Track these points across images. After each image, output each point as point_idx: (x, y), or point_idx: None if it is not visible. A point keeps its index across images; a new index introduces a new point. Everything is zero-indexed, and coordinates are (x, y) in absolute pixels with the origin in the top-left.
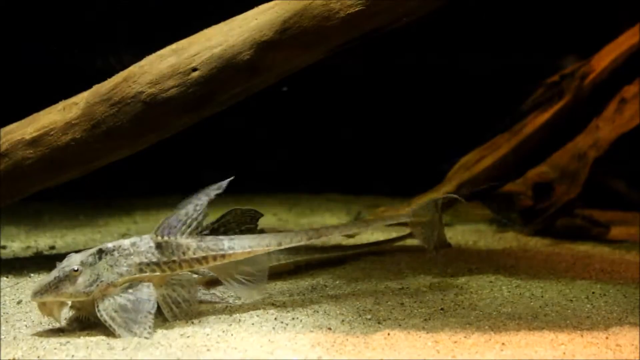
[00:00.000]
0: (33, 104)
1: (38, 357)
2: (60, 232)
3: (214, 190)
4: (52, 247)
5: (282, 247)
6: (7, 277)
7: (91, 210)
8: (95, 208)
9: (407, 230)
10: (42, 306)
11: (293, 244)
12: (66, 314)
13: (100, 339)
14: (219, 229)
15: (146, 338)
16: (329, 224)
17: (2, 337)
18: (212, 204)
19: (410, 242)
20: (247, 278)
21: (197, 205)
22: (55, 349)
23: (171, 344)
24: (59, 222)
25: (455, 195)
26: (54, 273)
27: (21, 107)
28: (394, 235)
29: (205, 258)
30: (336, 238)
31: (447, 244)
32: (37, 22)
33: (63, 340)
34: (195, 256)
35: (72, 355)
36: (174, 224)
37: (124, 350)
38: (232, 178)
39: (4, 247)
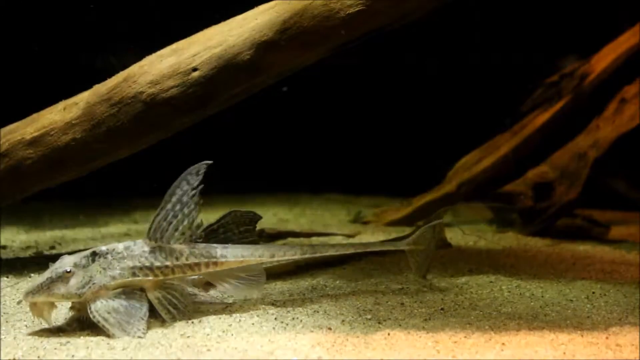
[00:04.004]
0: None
1: (38, 357)
2: (60, 232)
3: (193, 177)
4: (52, 247)
5: (275, 260)
6: (7, 277)
7: (91, 210)
8: (95, 208)
9: (408, 231)
10: (33, 306)
11: (286, 258)
12: (66, 314)
13: (100, 339)
14: (218, 229)
15: (140, 337)
16: (326, 242)
17: (2, 337)
18: (212, 204)
19: None
20: (241, 281)
21: (184, 203)
22: (55, 349)
23: (171, 344)
24: (59, 222)
25: (440, 221)
26: (47, 274)
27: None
28: (394, 235)
29: (197, 265)
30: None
31: (447, 244)
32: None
33: (63, 340)
34: (187, 262)
35: (72, 355)
36: (164, 226)
37: (124, 350)
38: (209, 162)
39: (4, 247)
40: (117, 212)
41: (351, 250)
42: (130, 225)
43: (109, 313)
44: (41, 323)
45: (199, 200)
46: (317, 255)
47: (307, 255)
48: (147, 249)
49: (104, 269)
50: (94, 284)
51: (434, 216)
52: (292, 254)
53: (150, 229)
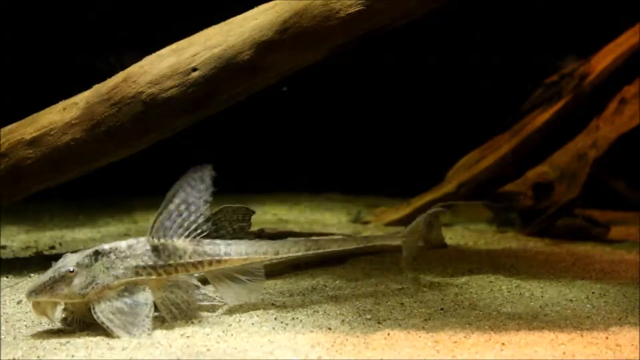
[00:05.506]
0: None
1: (38, 357)
2: (60, 232)
3: (199, 179)
4: (52, 247)
5: (279, 257)
6: (7, 277)
7: (91, 210)
8: (95, 208)
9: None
10: (36, 305)
11: (290, 254)
12: (58, 314)
13: (100, 339)
14: (211, 227)
15: (145, 338)
16: (329, 237)
17: (2, 337)
18: (212, 203)
19: None
20: (239, 285)
21: (190, 203)
22: (55, 349)
23: (171, 344)
24: (59, 222)
25: (443, 209)
26: (49, 273)
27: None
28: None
29: (201, 263)
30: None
31: (443, 244)
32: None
33: (63, 340)
34: (191, 260)
35: (72, 355)
36: (167, 224)
37: (124, 350)
38: (210, 165)
39: (4, 247)
40: (117, 212)
41: (354, 245)
42: (130, 225)
43: (113, 314)
44: (41, 323)
45: (208, 199)
46: (321, 251)
47: (311, 252)
48: (150, 247)
49: (107, 268)
50: (97, 284)
51: (432, 210)
52: (296, 250)
53: (152, 227)
